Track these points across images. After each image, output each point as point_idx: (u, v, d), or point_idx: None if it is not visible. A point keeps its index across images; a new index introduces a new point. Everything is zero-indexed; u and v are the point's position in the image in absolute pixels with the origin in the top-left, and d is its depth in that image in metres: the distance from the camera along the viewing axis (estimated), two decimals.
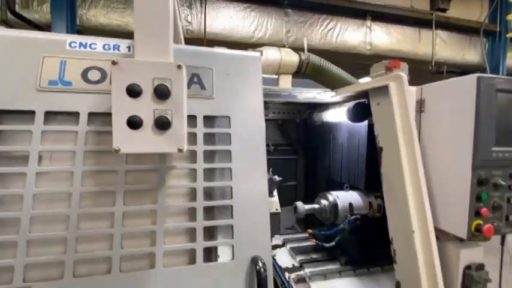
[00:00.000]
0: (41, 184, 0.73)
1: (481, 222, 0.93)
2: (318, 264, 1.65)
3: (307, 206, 1.69)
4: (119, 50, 0.84)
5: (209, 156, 0.87)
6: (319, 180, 2.30)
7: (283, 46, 4.05)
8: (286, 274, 1.56)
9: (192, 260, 0.78)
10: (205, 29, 3.52)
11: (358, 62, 4.60)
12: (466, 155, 0.93)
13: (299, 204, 1.69)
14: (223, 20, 3.73)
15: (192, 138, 0.85)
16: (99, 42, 0.84)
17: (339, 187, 1.82)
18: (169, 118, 0.63)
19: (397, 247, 1.15)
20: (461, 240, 1.03)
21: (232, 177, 0.85)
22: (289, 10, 4.04)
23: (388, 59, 5.15)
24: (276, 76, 2.21)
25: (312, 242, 1.79)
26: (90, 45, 0.83)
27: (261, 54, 1.03)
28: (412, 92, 1.18)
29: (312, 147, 2.46)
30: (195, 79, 0.88)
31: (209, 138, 0.88)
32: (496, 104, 0.92)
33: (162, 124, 0.61)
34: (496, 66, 4.92)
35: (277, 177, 1.71)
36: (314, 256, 1.76)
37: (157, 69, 0.62)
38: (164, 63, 0.63)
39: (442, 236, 1.08)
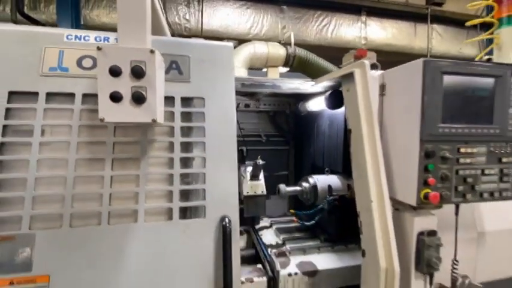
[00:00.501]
0: (44, 152, 0.88)
1: (429, 190, 1.04)
2: (299, 242, 1.78)
3: (289, 188, 1.82)
4: (108, 41, 0.99)
5: (186, 131, 1.01)
6: (305, 167, 2.43)
7: (279, 42, 4.18)
8: (269, 249, 1.69)
9: (170, 218, 0.92)
10: (202, 27, 3.67)
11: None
12: (415, 131, 1.05)
13: (282, 186, 1.82)
14: (220, 17, 3.87)
15: (171, 116, 0.99)
16: (92, 35, 0.99)
17: (322, 172, 1.94)
18: (144, 94, 0.76)
19: (362, 219, 1.27)
20: (415, 208, 1.15)
21: (206, 150, 0.99)
22: (284, 7, 4.15)
23: (383, 54, 5.23)
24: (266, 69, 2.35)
25: (294, 221, 1.92)
26: (84, 37, 0.98)
27: (234, 46, 1.15)
28: (376, 77, 1.30)
29: (300, 136, 2.58)
30: (174, 65, 1.02)
31: (186, 116, 1.02)
32: (442, 85, 1.03)
33: (138, 98, 0.75)
34: None
35: (261, 161, 1.84)
36: (297, 235, 1.89)
37: (134, 54, 0.76)
38: (139, 48, 0.77)
39: (400, 206, 1.20)
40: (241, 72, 2.13)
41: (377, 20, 4.47)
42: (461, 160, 1.07)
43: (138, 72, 0.75)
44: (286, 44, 4.19)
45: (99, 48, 0.75)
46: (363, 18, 4.42)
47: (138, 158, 0.93)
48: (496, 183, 1.12)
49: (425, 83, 1.01)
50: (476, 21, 2.09)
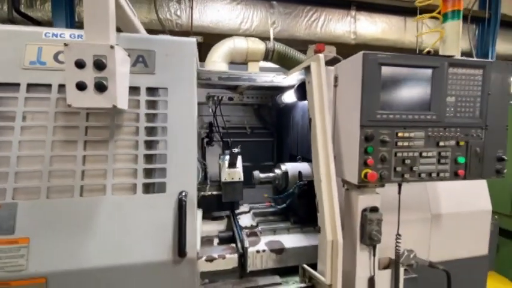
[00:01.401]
0: (25, 135, 1.02)
1: (368, 170, 1.16)
2: (272, 224, 1.92)
3: (262, 175, 1.95)
4: (81, 38, 1.12)
5: (152, 118, 1.14)
6: (285, 156, 2.56)
7: (269, 37, 4.26)
8: (243, 231, 1.83)
9: (135, 192, 1.06)
10: (191, 23, 3.78)
11: (344, 52, 4.73)
12: (356, 117, 1.17)
13: (255, 172, 1.96)
14: (210, 13, 3.97)
15: (137, 104, 1.12)
16: (68, 32, 1.12)
17: (296, 160, 2.07)
18: (106, 83, 0.90)
19: (318, 198, 1.40)
20: (358, 187, 1.27)
21: (168, 133, 1.12)
22: (274, 2, 4.22)
23: (373, 49, 5.30)
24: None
25: (266, 204, 2.06)
26: (61, 35, 1.11)
27: (197, 41, 1.27)
28: (331, 70, 1.41)
29: (281, 128, 2.71)
30: (140, 59, 1.15)
31: (152, 104, 1.15)
32: (380, 75, 1.15)
33: (100, 87, 0.88)
34: (486, 53, 4.95)
35: (236, 149, 1.97)
36: (271, 218, 2.03)
37: (96, 49, 0.89)
38: (101, 44, 0.90)
39: (349, 186, 1.33)
40: (222, 67, 2.24)
41: (367, 14, 4.52)
42: (399, 143, 1.19)
43: (99, 65, 0.88)
44: (276, 38, 4.29)
45: (65, 45, 0.88)
46: (353, 13, 4.47)
47: (107, 141, 1.07)
48: (434, 164, 1.24)
49: (364, 73, 1.13)
50: (426, 15, 2.22)
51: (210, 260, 1.61)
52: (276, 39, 4.30)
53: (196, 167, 1.12)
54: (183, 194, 1.04)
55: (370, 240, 1.23)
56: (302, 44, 3.65)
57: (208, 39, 3.76)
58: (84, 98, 0.90)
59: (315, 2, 4.31)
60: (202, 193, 2.06)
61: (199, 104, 2.71)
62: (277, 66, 3.52)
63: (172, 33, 3.99)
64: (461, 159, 1.25)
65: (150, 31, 4.15)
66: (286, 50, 2.36)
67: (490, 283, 2.21)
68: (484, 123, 1.28)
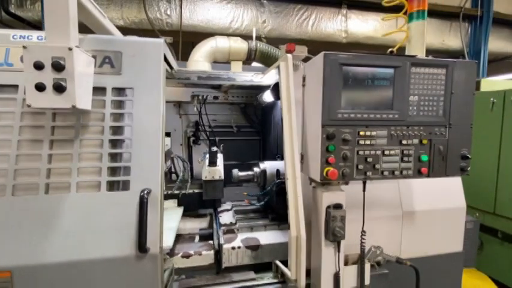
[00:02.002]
0: None
1: (330, 168, 1.19)
2: (251, 221, 1.95)
3: (241, 173, 1.98)
4: None
5: (118, 117, 1.17)
6: (268, 155, 2.58)
7: (260, 36, 4.28)
8: (222, 228, 1.87)
9: (99, 190, 1.09)
10: (181, 22, 3.80)
11: (336, 51, 4.73)
12: (318, 116, 1.19)
13: (234, 171, 1.99)
14: (201, 12, 3.99)
15: (103, 104, 1.15)
16: (35, 34, 1.15)
17: (276, 159, 2.10)
18: (64, 84, 0.93)
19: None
20: (323, 184, 1.30)
21: (133, 133, 1.15)
22: (264, 1, 4.23)
23: (365, 47, 5.30)
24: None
25: (246, 202, 2.09)
26: (28, 37, 1.14)
27: (166, 41, 1.30)
28: (301, 69, 1.43)
29: (264, 126, 2.73)
30: (107, 60, 1.18)
31: (118, 104, 1.18)
32: (341, 75, 1.17)
33: (58, 88, 0.91)
34: (479, 50, 4.94)
35: (215, 148, 2.00)
36: (251, 215, 2.06)
37: (54, 51, 0.92)
38: (59, 46, 0.93)
39: (315, 183, 1.35)
40: (205, 66, 2.26)
41: (358, 13, 4.52)
42: (361, 142, 1.21)
43: (57, 66, 0.91)
44: (266, 37, 4.31)
45: (24, 47, 0.91)
46: (344, 11, 4.47)
47: (73, 140, 1.10)
48: (398, 163, 1.26)
49: (325, 74, 1.15)
50: (391, 16, 2.24)
51: (187, 256, 1.65)
52: (267, 38, 4.34)
53: (161, 165, 1.15)
54: (145, 191, 1.07)
55: (334, 236, 1.26)
56: (293, 42, 3.66)
57: (200, 38, 3.78)
58: (43, 98, 0.92)
59: (306, 0, 4.31)
60: (184, 191, 2.10)
61: (184, 103, 2.76)
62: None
63: (163, 32, 4.02)
64: (425, 157, 1.27)
65: (141, 31, 4.20)
66: (269, 49, 2.38)
67: (468, 280, 2.24)
68: (448, 121, 1.30)
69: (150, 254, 1.07)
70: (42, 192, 1.04)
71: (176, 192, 2.09)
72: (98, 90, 1.15)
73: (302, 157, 1.42)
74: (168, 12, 3.89)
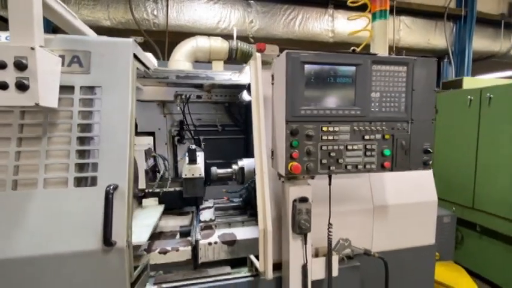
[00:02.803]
0: None
1: (294, 163, 1.23)
2: (229, 217, 1.99)
3: (220, 170, 2.02)
4: None
5: (87, 115, 1.20)
6: (252, 153, 2.62)
7: (247, 36, 4.32)
8: (200, 224, 1.90)
9: (67, 186, 1.12)
10: (167, 22, 3.82)
11: (324, 50, 4.78)
12: (283, 113, 1.23)
13: (213, 168, 2.03)
14: (188, 12, 4.01)
15: (71, 102, 1.18)
16: (4, 35, 1.18)
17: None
18: (27, 83, 0.95)
19: None
20: (289, 179, 1.34)
21: (101, 130, 1.18)
22: (251, 1, 4.27)
23: (351, 46, 5.31)
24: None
25: (224, 199, 2.13)
26: None
27: (136, 41, 1.33)
28: (266, 68, 1.47)
29: (247, 124, 2.77)
30: (75, 59, 1.21)
31: (87, 102, 1.21)
32: (303, 73, 1.21)
33: (20, 86, 0.94)
34: (463, 49, 5.04)
35: (194, 146, 2.03)
36: (230, 212, 2.10)
37: (17, 51, 0.95)
38: (22, 46, 0.96)
39: (283, 178, 1.39)
40: (186, 66, 2.29)
41: (344, 13, 4.58)
42: (324, 137, 1.25)
43: (19, 65, 0.94)
44: (254, 37, 4.35)
45: None
46: (330, 11, 4.53)
47: (41, 137, 1.13)
48: (361, 157, 1.31)
49: (287, 72, 1.19)
50: (355, 15, 2.32)
51: (164, 252, 1.68)
52: (254, 38, 4.38)
53: (128, 161, 1.18)
54: (111, 186, 1.10)
55: (300, 229, 1.30)
56: (281, 43, 3.71)
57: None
58: (6, 97, 0.95)
59: (293, 0, 4.36)
60: (164, 189, 2.13)
61: (168, 102, 2.79)
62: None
63: (150, 32, 4.04)
64: (387, 152, 1.32)
65: (128, 31, 4.19)
66: (250, 49, 2.42)
67: (445, 272, 2.30)
68: (410, 117, 1.35)
69: (116, 247, 1.10)
70: (9, 188, 1.07)
71: (157, 190, 2.12)
72: (67, 89, 1.18)
73: (272, 153, 1.46)
74: (155, 13, 3.91)
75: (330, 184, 1.37)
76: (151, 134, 2.60)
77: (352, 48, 1.32)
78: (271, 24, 4.32)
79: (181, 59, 2.26)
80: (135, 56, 1.36)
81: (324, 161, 1.26)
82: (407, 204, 1.77)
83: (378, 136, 1.32)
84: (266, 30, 4.34)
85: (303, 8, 4.44)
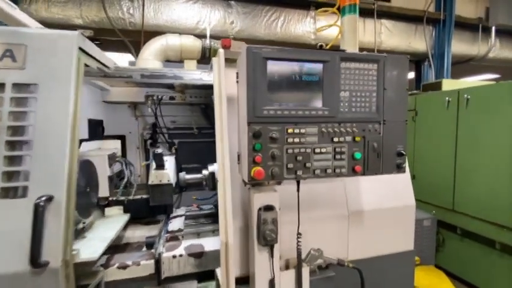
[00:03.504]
0: None
1: (258, 168, 1.12)
2: (199, 226, 1.86)
3: (188, 176, 1.89)
4: None
5: (21, 116, 1.05)
6: None
7: (228, 37, 4.21)
8: (167, 235, 1.76)
9: None
10: (143, 21, 3.68)
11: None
12: (245, 113, 1.12)
13: (181, 174, 1.89)
14: (166, 12, 3.88)
15: (1, 101, 1.03)
16: None
17: None
18: None
19: None
20: (253, 185, 1.23)
21: (35, 134, 1.04)
22: (232, 2, 4.18)
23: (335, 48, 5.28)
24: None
25: (194, 207, 2.00)
26: None
27: (84, 34, 1.20)
28: (233, 66, 1.37)
29: None
30: (8, 53, 1.06)
31: (20, 101, 1.06)
32: (266, 70, 1.11)
33: None
34: (443, 53, 5.13)
35: (160, 150, 1.90)
36: (202, 220, 1.97)
37: None
38: None
39: (248, 184, 1.28)
40: (155, 65, 2.16)
41: (326, 15, 4.57)
42: (290, 140, 1.15)
43: None
44: (236, 38, 4.25)
45: None
46: (312, 13, 4.51)
47: None
48: (330, 161, 1.22)
49: (248, 68, 1.09)
50: (323, 12, 2.37)
51: (123, 267, 1.53)
52: (236, 39, 4.29)
53: (68, 169, 1.04)
54: (43, 198, 0.96)
55: (265, 240, 1.19)
56: (263, 44, 3.63)
57: None
58: None
59: (274, 2, 4.31)
60: (129, 197, 1.98)
61: (139, 104, 2.64)
62: None
63: (126, 32, 3.87)
64: (358, 155, 1.23)
65: (102, 30, 4.00)
66: None
67: (425, 277, 2.25)
68: (382, 118, 1.27)
69: (49, 268, 0.95)
70: None
71: (122, 198, 1.96)
72: None
73: (238, 157, 1.35)
74: (131, 12, 3.76)
75: (298, 190, 1.27)
76: (120, 137, 2.43)
77: (319, 44, 1.23)
78: (252, 25, 4.24)
79: (150, 58, 2.13)
80: (83, 51, 1.22)
81: (290, 166, 1.16)
82: (384, 209, 1.70)
83: (348, 138, 1.23)
84: (248, 32, 4.26)
85: (284, 9, 4.39)
